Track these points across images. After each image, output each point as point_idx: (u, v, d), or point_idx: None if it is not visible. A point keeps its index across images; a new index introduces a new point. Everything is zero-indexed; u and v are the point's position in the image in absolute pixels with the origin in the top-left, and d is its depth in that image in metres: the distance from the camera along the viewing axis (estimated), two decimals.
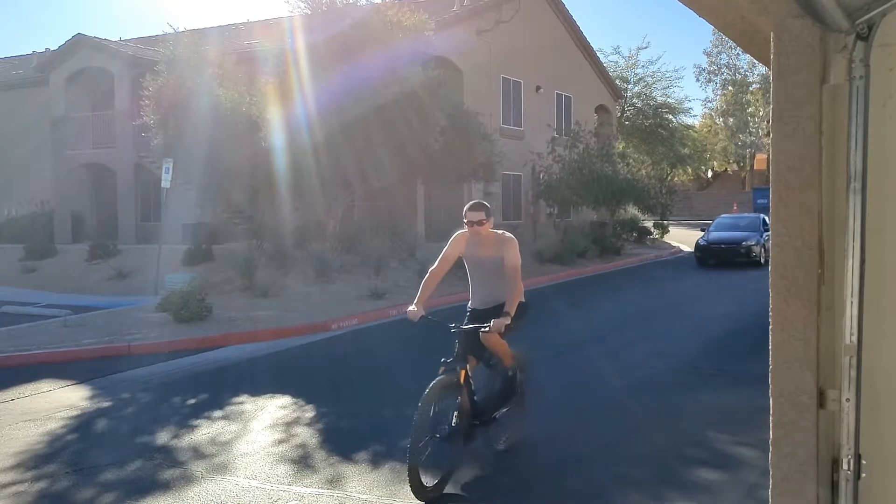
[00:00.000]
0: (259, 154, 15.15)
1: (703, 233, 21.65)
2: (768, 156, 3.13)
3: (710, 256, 20.09)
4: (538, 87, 26.24)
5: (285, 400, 7.38)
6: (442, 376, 4.79)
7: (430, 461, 4.71)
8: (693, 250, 21.37)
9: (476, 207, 5.15)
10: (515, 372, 5.49)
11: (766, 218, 22.05)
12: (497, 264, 5.15)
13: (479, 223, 5.09)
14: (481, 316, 5.21)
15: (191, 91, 16.53)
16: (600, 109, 31.42)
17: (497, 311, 5.09)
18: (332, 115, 14.18)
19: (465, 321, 5.26)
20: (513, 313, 4.90)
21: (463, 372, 4.91)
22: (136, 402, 7.67)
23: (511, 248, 5.11)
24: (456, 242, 5.30)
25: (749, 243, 20.04)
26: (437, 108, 15.66)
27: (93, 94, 24.46)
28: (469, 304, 5.47)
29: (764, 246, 19.81)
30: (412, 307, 5.04)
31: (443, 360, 4.92)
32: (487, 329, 4.87)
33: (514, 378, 5.48)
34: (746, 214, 24.54)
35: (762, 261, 19.48)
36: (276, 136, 14.88)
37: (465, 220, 5.12)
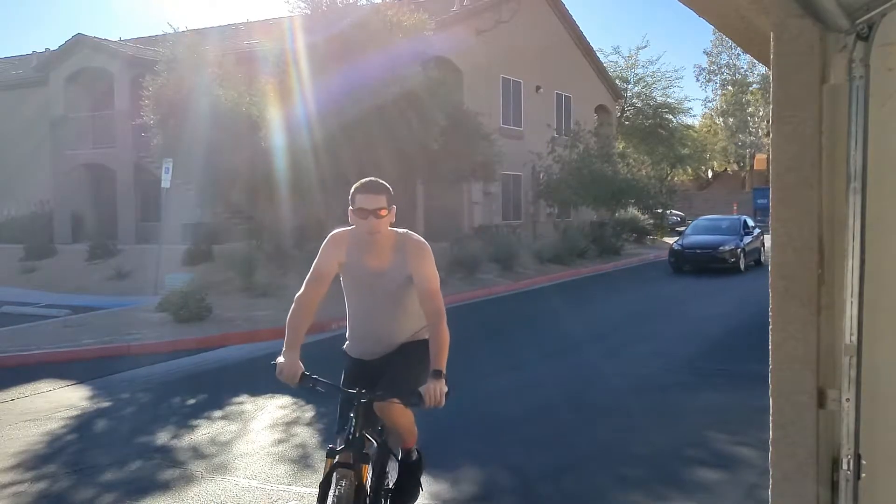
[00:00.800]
0: (259, 154, 15.14)
1: (679, 236, 20.09)
2: (768, 156, 3.13)
3: (685, 262, 18.64)
4: (538, 87, 26.25)
5: (285, 400, 7.37)
6: (343, 483, 3.05)
7: None
8: (668, 255, 19.67)
9: (373, 188, 3.22)
10: (419, 454, 3.68)
11: (749, 220, 20.86)
12: (397, 285, 3.30)
13: (377, 214, 3.17)
14: (371, 372, 3.39)
15: (191, 91, 16.52)
16: (600, 109, 31.44)
17: (399, 364, 3.35)
18: (332, 115, 14.17)
19: (345, 376, 3.50)
20: (444, 369, 3.11)
21: (365, 469, 3.19)
22: (136, 402, 7.67)
23: (424, 259, 3.26)
24: (332, 247, 3.38)
25: (727, 248, 18.51)
26: (437, 108, 15.65)
27: (93, 94, 24.47)
28: (346, 347, 3.59)
29: (744, 250, 18.82)
30: (281, 359, 3.19)
31: (330, 447, 3.20)
32: (417, 402, 3.07)
33: (418, 463, 3.67)
34: (727, 216, 23.04)
35: (742, 267, 18.53)
36: (276, 135, 14.87)
37: (354, 208, 3.21)
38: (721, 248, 18.50)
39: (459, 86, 20.97)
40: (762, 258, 19.73)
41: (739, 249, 18.51)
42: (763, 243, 20.01)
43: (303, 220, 17.74)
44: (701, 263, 18.50)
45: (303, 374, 3.18)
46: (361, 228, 3.22)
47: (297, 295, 3.42)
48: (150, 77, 17.28)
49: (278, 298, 13.86)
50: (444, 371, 3.09)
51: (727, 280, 17.18)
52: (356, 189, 3.22)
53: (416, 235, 3.37)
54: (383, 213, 3.18)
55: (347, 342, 3.57)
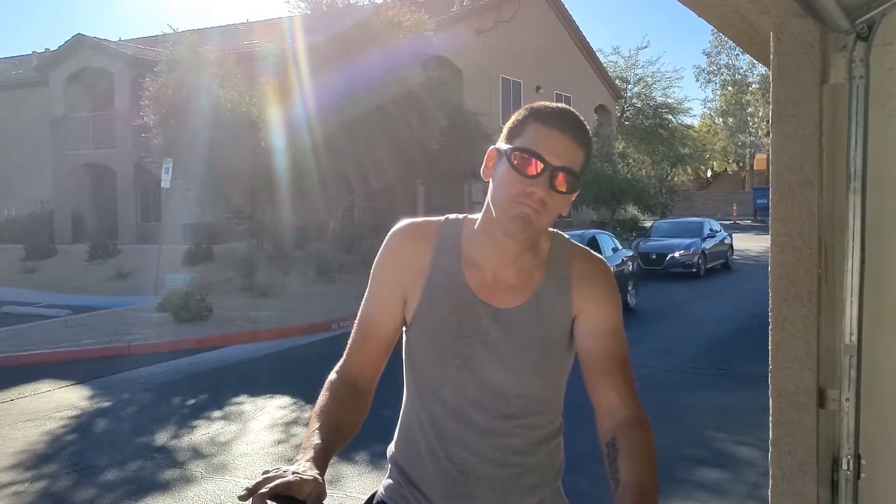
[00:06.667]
0: (259, 154, 15.15)
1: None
2: (768, 156, 3.13)
3: None
4: (538, 87, 26.26)
5: (285, 400, 7.38)
6: None
7: None
8: None
9: (571, 125, 1.37)
10: None
11: (611, 238, 13.95)
12: (545, 343, 1.49)
13: (556, 181, 1.36)
14: None
15: (191, 91, 16.53)
16: (600, 109, 31.44)
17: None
18: (332, 115, 14.19)
19: None
20: None
21: None
22: (136, 402, 7.68)
23: (606, 291, 1.50)
24: (399, 258, 1.53)
25: None
26: (437, 109, 15.68)
27: (93, 95, 24.46)
28: (388, 489, 1.73)
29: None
30: (301, 473, 1.19)
31: None
32: None
33: None
34: (583, 231, 14.98)
35: None
36: (276, 136, 14.89)
37: (513, 148, 1.37)
38: None
39: (459, 86, 20.99)
40: (632, 300, 12.77)
41: None
42: (635, 275, 13.36)
43: (303, 220, 17.76)
44: None
45: None
46: (505, 202, 1.38)
47: (334, 373, 1.64)
48: (150, 77, 17.30)
49: (279, 298, 13.87)
50: None
51: (729, 278, 17.05)
52: (532, 113, 1.41)
53: (593, 253, 1.59)
54: (565, 183, 1.37)
55: (397, 468, 1.74)
